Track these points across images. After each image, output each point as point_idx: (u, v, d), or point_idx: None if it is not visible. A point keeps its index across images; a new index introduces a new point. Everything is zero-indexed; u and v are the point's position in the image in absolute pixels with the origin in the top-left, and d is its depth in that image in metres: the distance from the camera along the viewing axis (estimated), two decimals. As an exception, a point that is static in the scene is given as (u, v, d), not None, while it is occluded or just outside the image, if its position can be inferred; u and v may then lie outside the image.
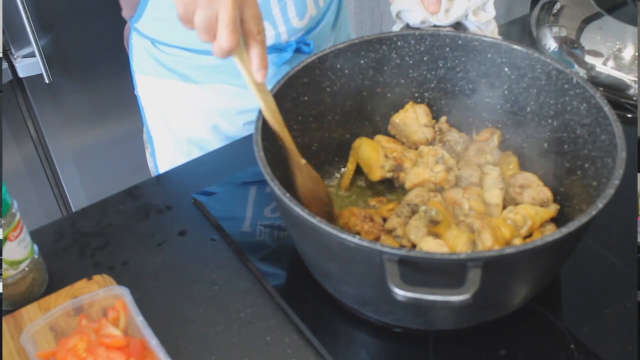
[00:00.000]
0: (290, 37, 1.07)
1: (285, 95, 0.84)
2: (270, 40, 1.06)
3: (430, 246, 0.77)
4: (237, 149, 1.06)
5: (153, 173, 1.26)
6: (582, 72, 1.16)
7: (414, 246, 0.80)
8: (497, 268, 0.66)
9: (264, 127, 0.78)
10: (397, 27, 1.02)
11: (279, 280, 0.84)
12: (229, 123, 1.15)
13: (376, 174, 0.92)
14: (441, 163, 0.89)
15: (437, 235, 0.79)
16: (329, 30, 1.16)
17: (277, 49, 1.08)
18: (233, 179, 0.98)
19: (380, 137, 0.96)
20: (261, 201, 0.95)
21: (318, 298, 0.82)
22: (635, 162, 0.85)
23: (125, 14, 1.11)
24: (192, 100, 1.13)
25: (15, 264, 0.79)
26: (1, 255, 0.77)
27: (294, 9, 1.04)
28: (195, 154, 1.14)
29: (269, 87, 0.80)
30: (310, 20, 1.08)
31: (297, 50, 1.09)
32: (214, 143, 1.13)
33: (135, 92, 1.19)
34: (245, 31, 0.71)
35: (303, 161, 0.82)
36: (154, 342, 0.73)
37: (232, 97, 1.12)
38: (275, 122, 0.78)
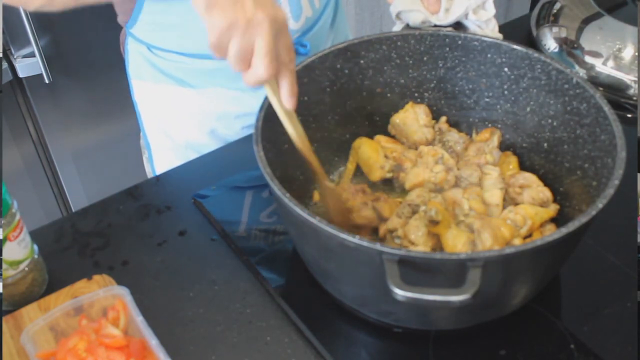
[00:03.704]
0: None
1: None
2: None
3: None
4: (237, 150, 1.06)
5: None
6: (582, 72, 1.15)
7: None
8: (497, 268, 0.66)
9: (264, 127, 0.78)
10: (397, 28, 1.02)
11: (277, 283, 0.84)
12: (226, 127, 1.14)
13: (376, 174, 0.92)
14: (441, 163, 0.89)
15: (436, 236, 0.79)
16: (326, 31, 1.16)
17: None
18: (232, 180, 0.98)
19: (380, 137, 0.96)
20: (257, 206, 0.94)
21: (318, 298, 0.82)
22: (635, 162, 0.85)
23: (120, 19, 1.11)
24: (189, 105, 1.13)
25: (15, 264, 0.79)
26: (1, 255, 0.77)
27: (289, 11, 1.04)
28: (193, 158, 1.14)
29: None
30: (306, 22, 1.08)
31: None
32: (212, 148, 1.13)
33: (132, 98, 1.19)
34: (278, 60, 0.71)
35: (330, 185, 0.84)
36: (154, 342, 0.73)
37: (229, 101, 1.11)
38: (304, 148, 0.80)
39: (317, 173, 0.82)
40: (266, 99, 0.81)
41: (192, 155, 1.12)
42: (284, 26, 0.71)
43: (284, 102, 0.74)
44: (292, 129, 0.78)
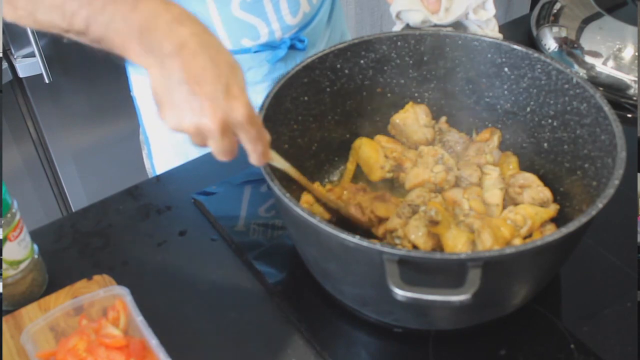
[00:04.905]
0: (284, 34, 1.07)
1: (285, 95, 0.84)
2: (263, 37, 1.06)
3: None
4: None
5: (150, 174, 1.26)
6: (582, 72, 1.15)
7: (414, 246, 0.80)
8: (497, 268, 0.66)
9: (264, 127, 0.77)
10: (397, 28, 1.02)
11: (276, 279, 0.84)
12: None
13: (376, 175, 0.92)
14: (441, 163, 0.89)
15: (436, 236, 0.79)
16: (323, 27, 1.16)
17: (271, 46, 1.07)
18: (233, 179, 0.98)
19: (380, 137, 0.96)
20: (256, 200, 0.94)
21: (318, 298, 0.82)
22: (635, 162, 0.85)
23: None
24: None
25: (15, 264, 0.79)
26: (1, 255, 0.77)
27: (286, 6, 1.04)
28: (193, 154, 1.14)
29: (267, 84, 0.80)
30: (304, 17, 1.08)
31: (291, 47, 1.09)
32: None
33: (131, 93, 1.19)
34: (244, 147, 0.71)
35: (326, 194, 0.85)
36: (154, 342, 0.73)
37: None
38: (295, 175, 0.80)
39: (314, 192, 0.83)
40: (267, 97, 0.81)
41: (192, 151, 1.12)
42: (244, 123, 0.67)
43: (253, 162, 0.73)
44: (279, 165, 0.78)
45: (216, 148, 0.67)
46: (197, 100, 0.64)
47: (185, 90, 0.64)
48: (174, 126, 0.66)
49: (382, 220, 0.84)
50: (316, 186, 0.85)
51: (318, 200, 0.85)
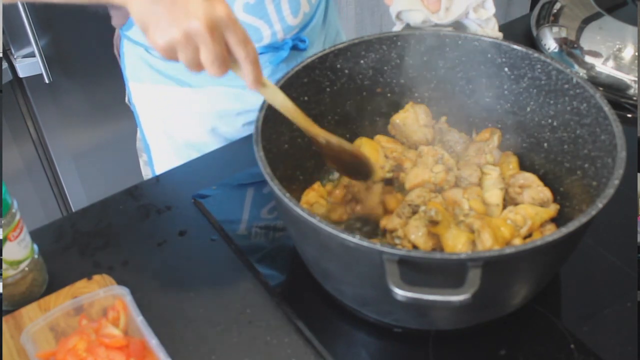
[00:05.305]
0: (286, 34, 1.08)
1: (285, 95, 0.84)
2: (266, 39, 1.06)
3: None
4: (236, 149, 1.06)
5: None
6: (582, 72, 1.16)
7: (414, 246, 0.80)
8: (497, 268, 0.66)
9: (264, 127, 0.78)
10: (397, 28, 1.02)
11: (278, 281, 0.84)
12: (227, 125, 1.14)
13: (376, 175, 0.92)
14: (441, 163, 0.89)
15: (436, 236, 0.79)
16: (320, 26, 1.17)
17: (274, 47, 1.08)
18: (232, 179, 0.98)
19: (380, 137, 0.96)
20: (258, 202, 0.94)
21: (318, 298, 0.82)
22: (635, 162, 0.85)
23: (115, 22, 1.10)
24: (189, 104, 1.13)
25: (15, 264, 0.79)
26: (1, 255, 0.77)
27: (288, 7, 1.05)
28: (194, 157, 1.14)
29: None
30: (304, 17, 1.09)
31: (293, 48, 1.09)
32: (213, 145, 1.13)
33: (127, 101, 1.18)
34: (234, 56, 0.71)
35: (323, 141, 0.83)
36: (154, 342, 0.73)
37: (230, 98, 1.12)
38: (288, 112, 0.78)
39: (310, 132, 0.80)
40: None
41: (193, 155, 1.12)
42: (229, 21, 0.69)
43: (249, 86, 0.74)
44: (270, 100, 0.77)
45: (208, 54, 0.68)
46: (179, 7, 0.67)
47: (166, 3, 0.67)
48: (165, 43, 0.68)
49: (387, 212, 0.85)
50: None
51: (319, 146, 0.84)
